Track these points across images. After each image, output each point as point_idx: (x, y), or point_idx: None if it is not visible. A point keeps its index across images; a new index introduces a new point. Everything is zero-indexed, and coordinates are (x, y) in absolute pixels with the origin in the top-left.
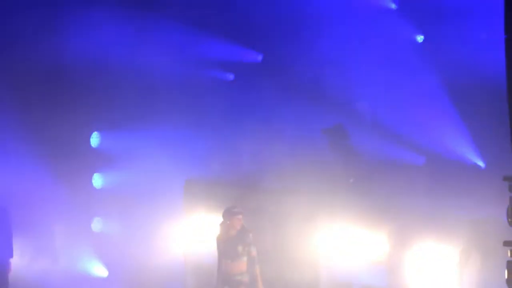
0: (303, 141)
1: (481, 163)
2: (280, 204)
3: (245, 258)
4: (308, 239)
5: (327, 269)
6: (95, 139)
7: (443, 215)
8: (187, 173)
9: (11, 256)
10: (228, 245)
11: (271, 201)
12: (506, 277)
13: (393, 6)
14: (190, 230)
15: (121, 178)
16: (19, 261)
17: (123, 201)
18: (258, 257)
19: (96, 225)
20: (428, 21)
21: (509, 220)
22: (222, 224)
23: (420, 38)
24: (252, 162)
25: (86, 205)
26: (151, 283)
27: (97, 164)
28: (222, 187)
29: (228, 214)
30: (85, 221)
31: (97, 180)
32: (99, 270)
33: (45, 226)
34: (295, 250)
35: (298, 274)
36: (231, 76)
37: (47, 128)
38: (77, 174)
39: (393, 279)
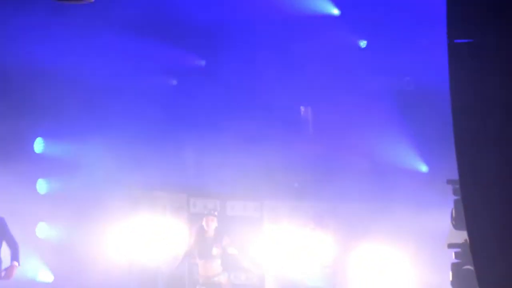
0: (247, 147)
1: (424, 168)
2: (225, 209)
3: (219, 260)
4: (254, 243)
5: (274, 272)
6: (38, 145)
7: (387, 219)
8: (131, 179)
9: None
10: (203, 247)
11: (216, 206)
12: (450, 279)
13: (337, 12)
14: (135, 236)
15: (66, 183)
16: None
17: (68, 206)
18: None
19: (41, 230)
20: (371, 26)
21: (453, 222)
22: (197, 227)
23: (363, 44)
24: (196, 168)
25: (30, 210)
26: None
27: (41, 170)
28: (167, 193)
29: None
30: (29, 226)
31: (41, 186)
32: (45, 275)
33: None
34: (241, 254)
35: (244, 277)
36: (174, 82)
37: None
38: (21, 180)
39: (339, 282)
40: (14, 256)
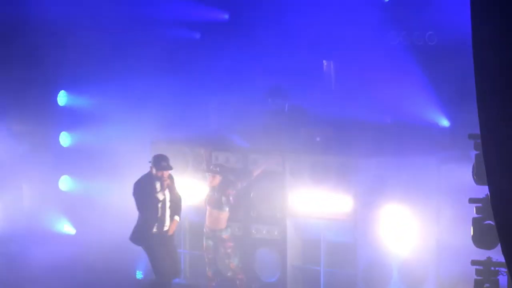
0: (269, 101)
1: (446, 122)
2: (247, 162)
3: (226, 213)
4: (276, 197)
5: (295, 226)
6: (62, 98)
7: (409, 173)
8: (154, 131)
9: None
10: (211, 196)
11: (238, 159)
12: (471, 234)
13: None
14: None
15: (89, 136)
16: None
17: (90, 159)
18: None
19: (64, 183)
20: None
21: (475, 177)
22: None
23: None
24: (218, 122)
25: (54, 163)
26: (118, 241)
27: (64, 123)
28: (189, 146)
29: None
30: (52, 179)
31: (64, 139)
32: (67, 228)
33: (13, 185)
34: (262, 208)
35: (266, 231)
36: (197, 35)
37: (12, 88)
38: (44, 133)
39: (360, 236)
40: (176, 211)
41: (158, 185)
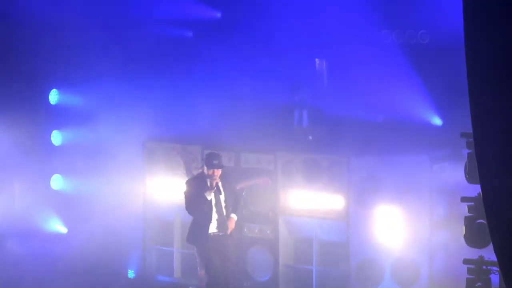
0: (261, 99)
1: (438, 121)
2: (239, 161)
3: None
4: (268, 196)
5: (287, 225)
6: (53, 96)
7: (401, 172)
8: (146, 130)
9: None
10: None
11: (230, 158)
12: (463, 232)
13: None
14: (150, 187)
15: (80, 135)
16: None
17: (82, 158)
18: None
19: (55, 182)
20: None
21: (467, 176)
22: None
23: None
24: (210, 120)
25: (45, 162)
26: (110, 240)
27: (55, 121)
28: (181, 145)
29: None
30: (44, 178)
31: (56, 137)
32: (58, 227)
33: (4, 183)
34: (255, 207)
35: (258, 230)
36: (189, 34)
37: (3, 86)
38: (36, 131)
39: (352, 235)
40: (234, 209)
41: (209, 184)
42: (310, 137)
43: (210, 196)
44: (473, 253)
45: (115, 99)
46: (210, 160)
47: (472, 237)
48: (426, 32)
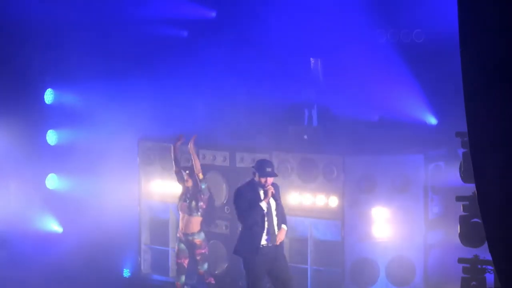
0: (257, 98)
1: (433, 120)
2: (234, 161)
3: (199, 214)
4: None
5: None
6: (49, 96)
7: (396, 171)
8: (141, 130)
9: None
10: (183, 200)
11: (225, 158)
12: (458, 231)
13: None
14: (145, 186)
15: (76, 135)
16: None
17: (77, 158)
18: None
19: (51, 182)
20: None
21: (462, 175)
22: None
23: None
24: (205, 119)
25: (40, 162)
26: (106, 239)
27: (51, 121)
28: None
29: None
30: (39, 178)
31: (52, 137)
32: (54, 226)
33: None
34: None
35: None
36: (184, 33)
37: None
38: (31, 131)
39: (347, 234)
40: (283, 220)
41: (262, 193)
42: (305, 137)
43: (267, 205)
44: (468, 252)
45: (110, 98)
46: (263, 168)
47: (467, 236)
48: (421, 31)
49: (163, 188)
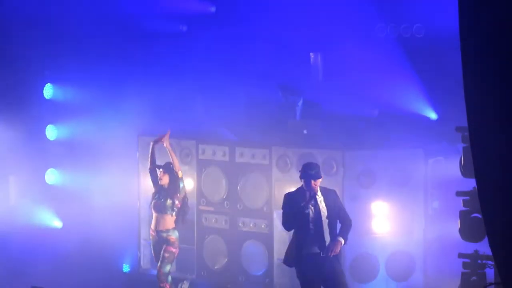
0: (256, 94)
1: (433, 115)
2: (234, 156)
3: (173, 213)
4: (262, 190)
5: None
6: (48, 91)
7: (396, 166)
8: (141, 125)
9: None
10: (156, 199)
11: (225, 153)
12: (459, 227)
13: None
14: (144, 182)
15: (75, 130)
16: None
17: (77, 153)
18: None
19: (50, 176)
20: None
21: (462, 170)
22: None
23: None
24: (205, 114)
25: (40, 157)
26: (105, 234)
27: (50, 116)
28: (176, 139)
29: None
30: (39, 173)
31: (51, 132)
32: (53, 221)
33: None
34: (249, 201)
35: (253, 224)
36: (184, 28)
37: None
38: (30, 126)
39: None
40: (342, 232)
41: (307, 198)
42: (305, 131)
43: (308, 210)
44: (468, 247)
45: (110, 93)
46: (304, 170)
47: (467, 231)
48: (421, 26)
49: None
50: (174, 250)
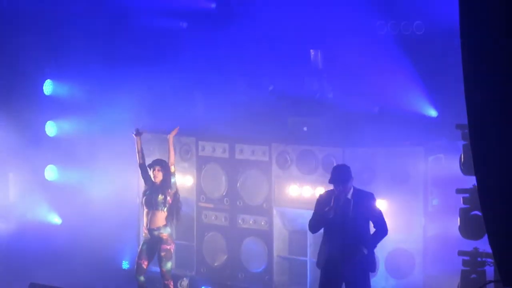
0: (256, 90)
1: (433, 112)
2: (233, 152)
3: (165, 209)
4: (262, 187)
5: (282, 217)
6: (48, 87)
7: (396, 164)
8: (141, 121)
9: None
10: (148, 194)
11: (224, 149)
12: (458, 224)
13: None
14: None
15: (75, 126)
16: None
17: (76, 149)
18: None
19: (49, 173)
20: None
21: (462, 167)
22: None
23: None
24: (205, 111)
25: (39, 153)
26: (105, 230)
27: (50, 112)
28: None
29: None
30: (38, 169)
31: (50, 128)
32: (53, 218)
33: None
34: (249, 198)
35: (252, 221)
36: (184, 25)
37: None
38: (30, 122)
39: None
40: (373, 238)
41: (332, 202)
42: (305, 128)
43: (332, 215)
44: (467, 245)
45: (110, 90)
46: (332, 174)
47: (467, 229)
48: (421, 23)
49: None
50: (169, 247)
